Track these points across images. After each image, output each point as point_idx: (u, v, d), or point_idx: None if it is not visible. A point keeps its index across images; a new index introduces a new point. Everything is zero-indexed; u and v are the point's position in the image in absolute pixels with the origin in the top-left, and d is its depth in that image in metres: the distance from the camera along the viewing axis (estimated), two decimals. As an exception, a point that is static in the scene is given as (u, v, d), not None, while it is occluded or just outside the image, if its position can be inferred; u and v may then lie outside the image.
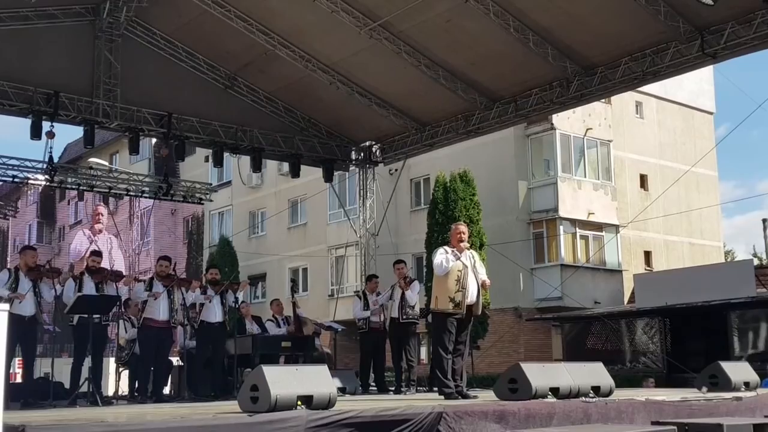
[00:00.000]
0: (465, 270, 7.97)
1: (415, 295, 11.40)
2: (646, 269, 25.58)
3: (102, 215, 16.22)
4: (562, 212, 23.77)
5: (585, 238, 24.43)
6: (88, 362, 9.67)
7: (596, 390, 7.44)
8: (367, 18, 12.77)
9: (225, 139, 14.87)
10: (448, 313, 7.91)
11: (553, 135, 24.14)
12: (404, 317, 11.37)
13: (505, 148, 24.12)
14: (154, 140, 24.27)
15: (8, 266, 11.34)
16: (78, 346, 9.88)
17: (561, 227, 23.76)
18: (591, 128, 24.76)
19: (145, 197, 16.25)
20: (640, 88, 21.58)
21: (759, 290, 17.56)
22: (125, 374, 11.84)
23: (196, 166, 28.47)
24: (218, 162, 15.43)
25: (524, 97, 13.84)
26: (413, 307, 11.41)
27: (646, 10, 11.26)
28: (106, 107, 13.55)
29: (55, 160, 14.21)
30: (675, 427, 6.40)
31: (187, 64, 14.59)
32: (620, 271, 24.75)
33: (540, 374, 7.07)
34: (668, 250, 26.80)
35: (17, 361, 10.68)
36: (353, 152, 16.74)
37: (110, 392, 10.98)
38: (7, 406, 8.67)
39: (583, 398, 7.14)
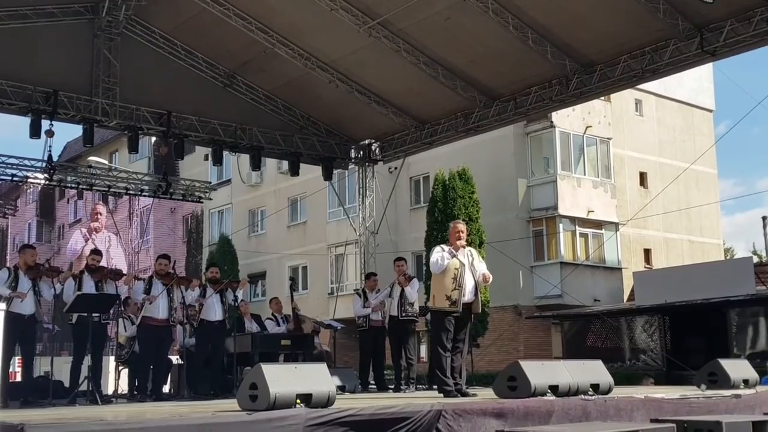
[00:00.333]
0: (462, 268, 7.97)
1: (414, 292, 11.41)
2: (645, 267, 25.58)
3: (100, 214, 16.22)
4: (562, 210, 23.78)
5: (584, 235, 24.45)
6: (87, 361, 9.66)
7: (595, 388, 7.44)
8: (366, 16, 12.77)
9: (224, 138, 14.88)
10: (445, 311, 7.92)
11: (552, 133, 24.15)
12: (403, 314, 11.38)
13: (504, 146, 24.12)
14: (153, 139, 24.26)
15: (7, 265, 11.35)
16: (77, 344, 9.88)
17: (560, 225, 23.78)
18: (590, 126, 24.77)
19: (145, 196, 16.25)
20: (639, 86, 21.55)
21: (758, 288, 17.53)
22: (125, 373, 11.84)
23: (195, 165, 28.46)
24: (217, 160, 15.43)
25: (523, 95, 13.85)
26: (412, 304, 11.42)
27: (645, 8, 11.26)
28: (105, 106, 13.55)
29: (55, 158, 14.21)
30: (674, 425, 6.40)
31: (186, 62, 14.60)
32: (620, 269, 24.77)
33: (539, 372, 7.07)
34: (668, 248, 26.81)
35: (17, 360, 10.67)
36: (352, 150, 16.74)
37: (110, 391, 10.95)
38: (7, 405, 8.74)
39: (582, 396, 7.14)
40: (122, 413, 6.26)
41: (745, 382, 8.79)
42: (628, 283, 23.86)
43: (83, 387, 9.42)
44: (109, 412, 6.46)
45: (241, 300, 12.24)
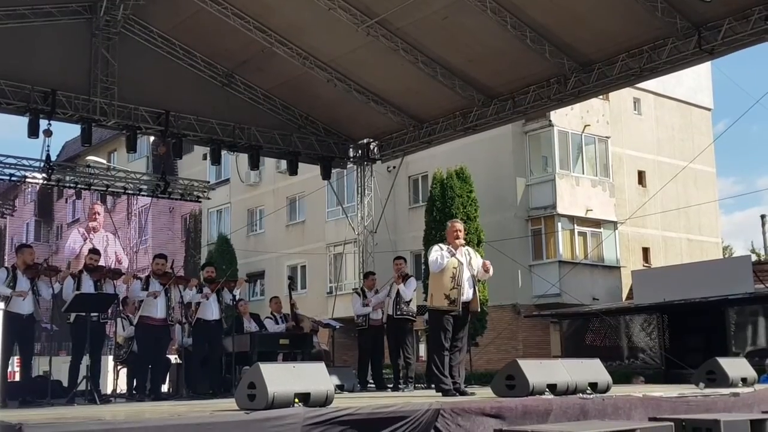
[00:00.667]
0: (460, 267, 7.97)
1: (409, 291, 11.40)
2: (644, 265, 25.60)
3: (98, 213, 16.20)
4: (560, 209, 23.80)
5: (583, 234, 24.47)
6: (86, 360, 9.65)
7: (593, 386, 7.44)
8: (365, 15, 12.76)
9: (222, 137, 14.87)
10: (444, 310, 7.91)
11: (550, 132, 24.17)
12: (398, 313, 11.39)
13: (502, 145, 24.14)
14: (152, 138, 24.27)
15: (6, 265, 11.34)
16: (76, 344, 9.86)
17: (559, 224, 23.80)
18: (589, 125, 24.78)
19: (143, 195, 16.25)
20: (637, 85, 21.64)
21: (757, 286, 17.54)
22: (123, 372, 11.84)
23: (194, 164, 28.47)
24: (216, 160, 15.43)
25: (522, 94, 13.85)
26: (408, 303, 11.41)
27: (643, 7, 11.27)
28: (103, 105, 13.55)
29: (53, 158, 14.21)
30: (672, 423, 6.41)
31: (184, 61, 14.59)
32: (618, 268, 24.79)
33: (537, 371, 7.07)
34: (666, 247, 26.83)
35: (15, 360, 10.67)
36: (351, 150, 16.74)
37: (108, 390, 10.96)
38: (5, 405, 8.74)
39: (581, 395, 7.14)
40: (121, 413, 6.26)
41: (744, 380, 8.79)
42: (626, 282, 23.88)
43: (82, 387, 9.41)
44: (108, 412, 6.46)
45: (240, 299, 12.24)
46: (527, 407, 6.47)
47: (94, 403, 8.92)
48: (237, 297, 11.62)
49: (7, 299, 9.28)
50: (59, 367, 10.40)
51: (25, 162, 14.35)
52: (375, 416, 5.61)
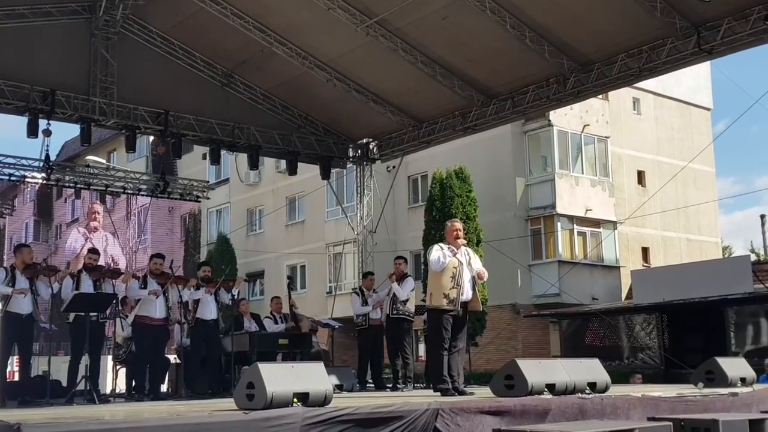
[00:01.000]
0: (460, 267, 7.97)
1: (403, 291, 11.39)
2: (643, 265, 25.60)
3: (98, 213, 16.21)
4: (560, 208, 23.80)
5: (582, 234, 24.47)
6: (85, 360, 9.65)
7: (592, 386, 7.43)
8: (364, 15, 12.76)
9: (222, 137, 14.87)
10: (443, 310, 7.91)
11: (550, 131, 24.16)
12: (394, 312, 11.40)
13: (502, 144, 24.14)
14: (151, 138, 24.24)
15: (4, 265, 11.34)
16: (75, 344, 9.85)
17: (558, 223, 23.79)
18: (588, 124, 24.78)
19: (143, 195, 16.25)
20: (637, 85, 21.64)
21: (756, 286, 17.53)
22: (122, 372, 11.84)
23: (194, 164, 28.48)
24: (215, 160, 15.43)
25: (521, 94, 13.86)
26: (405, 303, 11.40)
27: (642, 7, 11.27)
28: (102, 105, 13.55)
29: (52, 158, 14.22)
30: (671, 423, 6.41)
31: (183, 61, 14.59)
32: (618, 268, 24.79)
33: (536, 370, 7.07)
34: (666, 246, 26.83)
35: (14, 360, 10.68)
36: (350, 149, 16.74)
37: (107, 390, 10.96)
38: (4, 404, 8.74)
39: (579, 394, 7.14)
40: (120, 413, 6.26)
41: (743, 380, 8.79)
42: (626, 282, 23.88)
43: (81, 386, 9.41)
44: (107, 412, 6.47)
45: (242, 298, 12.22)
46: (526, 407, 6.47)
47: (93, 402, 8.91)
48: (236, 297, 11.61)
49: (6, 299, 9.28)
50: (58, 367, 10.40)
51: (24, 162, 14.34)
52: (374, 416, 5.61)
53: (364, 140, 16.60)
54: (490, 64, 13.45)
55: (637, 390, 8.27)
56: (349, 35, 13.22)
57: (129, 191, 15.97)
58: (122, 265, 15.81)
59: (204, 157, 22.56)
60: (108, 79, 13.62)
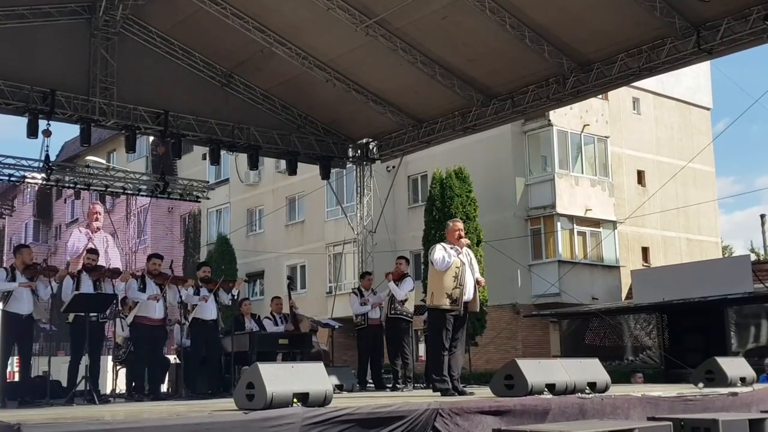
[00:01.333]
0: (463, 267, 7.97)
1: (403, 291, 11.37)
2: (643, 265, 25.60)
3: (99, 213, 16.21)
4: (560, 208, 23.79)
5: (582, 234, 24.47)
6: (85, 360, 9.65)
7: (592, 386, 7.44)
8: (363, 15, 12.77)
9: (222, 137, 14.88)
10: (444, 310, 7.90)
11: (550, 131, 24.16)
12: (392, 312, 11.39)
13: (502, 144, 24.14)
14: (151, 138, 24.25)
15: (4, 265, 11.33)
16: (75, 344, 9.84)
17: (558, 223, 23.79)
18: (588, 124, 24.78)
19: (142, 195, 16.25)
20: (637, 84, 21.65)
21: (756, 286, 17.54)
22: (122, 372, 11.84)
23: (193, 164, 28.48)
24: (215, 160, 15.44)
25: (521, 94, 13.86)
26: (403, 302, 11.39)
27: (641, 6, 11.28)
28: (102, 105, 13.55)
29: (52, 158, 14.23)
30: (671, 423, 6.41)
31: (183, 61, 14.60)
32: (618, 267, 24.79)
33: (536, 370, 7.07)
34: (666, 246, 26.83)
35: (14, 360, 10.68)
36: (350, 149, 16.74)
37: (107, 390, 10.95)
38: (4, 405, 8.74)
39: (579, 394, 7.14)
40: (120, 413, 6.26)
41: (742, 380, 8.80)
42: (626, 282, 23.88)
43: (81, 387, 9.41)
44: (107, 412, 6.47)
45: (244, 298, 12.21)
46: (526, 407, 6.48)
47: (93, 403, 8.91)
48: (236, 297, 11.60)
49: (5, 299, 9.28)
50: (58, 367, 10.40)
51: (24, 162, 14.35)
52: (373, 416, 5.61)
53: (364, 140, 16.60)
54: (490, 63, 13.45)
55: (636, 390, 8.27)
56: (349, 35, 13.22)
57: (129, 191, 15.98)
58: (120, 267, 15.80)
59: (204, 158, 22.61)
60: (108, 79, 13.63)
